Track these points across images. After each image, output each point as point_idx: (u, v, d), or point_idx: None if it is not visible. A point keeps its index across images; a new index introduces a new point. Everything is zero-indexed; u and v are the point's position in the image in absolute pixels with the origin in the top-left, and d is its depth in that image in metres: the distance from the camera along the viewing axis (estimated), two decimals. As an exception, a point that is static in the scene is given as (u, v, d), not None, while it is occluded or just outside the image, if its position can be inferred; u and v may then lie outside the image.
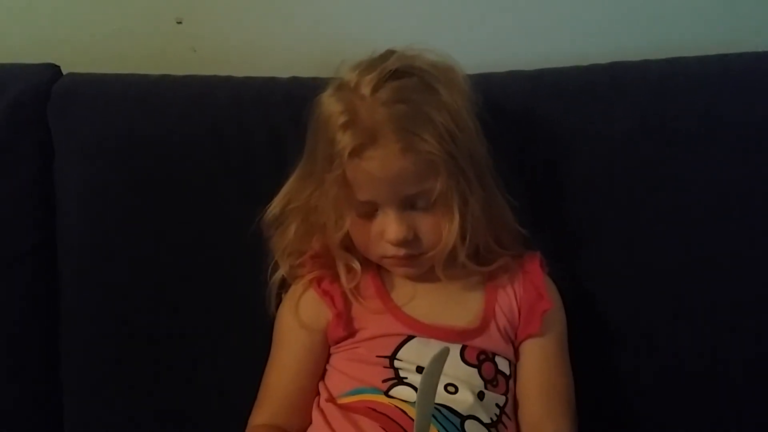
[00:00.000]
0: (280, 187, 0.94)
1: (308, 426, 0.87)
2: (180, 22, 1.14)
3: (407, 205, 0.85)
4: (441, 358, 0.72)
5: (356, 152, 0.82)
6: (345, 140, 0.83)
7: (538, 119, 0.98)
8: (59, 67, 1.06)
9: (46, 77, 1.04)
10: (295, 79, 1.05)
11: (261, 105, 1.02)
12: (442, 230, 0.86)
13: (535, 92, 1.00)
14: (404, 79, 0.84)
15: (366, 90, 0.84)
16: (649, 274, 0.99)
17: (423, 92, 0.84)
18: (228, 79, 1.05)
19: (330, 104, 0.86)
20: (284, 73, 1.06)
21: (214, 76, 1.05)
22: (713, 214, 0.98)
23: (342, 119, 0.84)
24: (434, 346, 0.87)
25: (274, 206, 0.92)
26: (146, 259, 1.00)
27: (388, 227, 0.85)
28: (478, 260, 0.90)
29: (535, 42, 1.12)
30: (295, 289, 0.93)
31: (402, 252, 0.86)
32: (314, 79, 1.04)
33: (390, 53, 0.87)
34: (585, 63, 1.04)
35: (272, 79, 1.05)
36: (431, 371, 0.72)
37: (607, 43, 1.11)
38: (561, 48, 1.11)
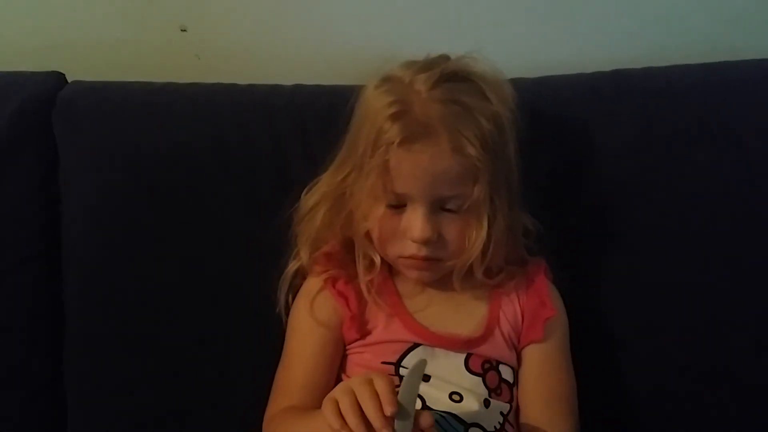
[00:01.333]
0: (284, 194, 0.94)
1: None
2: (184, 30, 1.15)
3: (438, 206, 0.85)
4: (418, 370, 0.73)
5: (406, 142, 0.83)
6: (395, 130, 0.83)
7: (542, 126, 0.98)
8: (64, 74, 1.06)
9: (51, 85, 1.04)
10: (298, 87, 1.05)
11: (264, 112, 1.02)
12: (467, 239, 0.86)
13: (539, 99, 1.01)
14: (461, 82, 0.85)
15: (422, 86, 0.84)
16: (651, 278, 0.99)
17: (478, 99, 0.85)
18: (232, 87, 1.05)
19: (379, 95, 0.87)
20: (288, 81, 1.06)
21: (218, 83, 1.06)
22: (715, 219, 0.99)
23: (393, 109, 0.84)
24: (439, 355, 0.87)
25: (310, 197, 0.93)
26: (150, 265, 1.00)
27: (414, 224, 0.85)
28: (486, 272, 0.90)
29: (539, 50, 1.13)
30: (310, 288, 0.92)
31: (422, 252, 0.86)
32: (318, 86, 1.05)
33: (447, 57, 0.89)
34: (589, 71, 1.05)
35: (276, 87, 1.05)
36: (410, 384, 0.72)
37: (610, 51, 1.11)
38: (565, 56, 1.11)
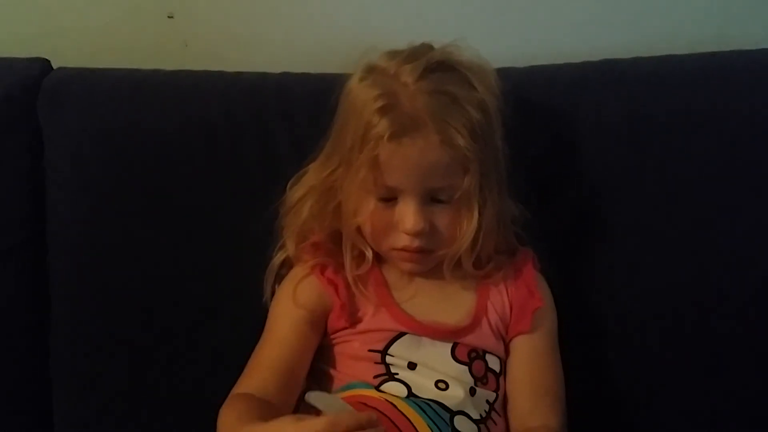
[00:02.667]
0: (271, 181, 0.94)
1: (294, 402, 0.87)
2: (171, 17, 1.14)
3: (429, 197, 0.85)
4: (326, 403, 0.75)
5: (395, 136, 0.82)
6: (384, 123, 0.83)
7: (530, 115, 0.98)
8: (49, 61, 1.05)
9: (37, 71, 1.03)
10: (286, 75, 1.05)
11: (252, 100, 1.02)
12: (458, 229, 0.86)
13: (528, 89, 1.01)
14: (447, 72, 0.85)
15: (408, 78, 0.84)
16: (640, 266, 0.99)
17: (465, 88, 0.85)
18: (219, 74, 1.05)
19: (364, 88, 0.86)
20: (275, 69, 1.06)
21: (206, 71, 1.05)
22: (703, 207, 0.99)
23: (380, 103, 0.83)
24: (425, 344, 0.88)
25: (297, 190, 0.92)
26: (136, 253, 1.00)
27: (406, 216, 0.85)
28: (475, 262, 0.90)
29: (528, 39, 1.13)
30: (295, 273, 0.92)
31: (415, 244, 0.86)
32: (305, 74, 1.04)
33: (430, 46, 0.88)
34: (577, 60, 1.05)
35: (263, 75, 1.05)
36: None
37: (598, 41, 1.11)
38: (553, 45, 1.11)
